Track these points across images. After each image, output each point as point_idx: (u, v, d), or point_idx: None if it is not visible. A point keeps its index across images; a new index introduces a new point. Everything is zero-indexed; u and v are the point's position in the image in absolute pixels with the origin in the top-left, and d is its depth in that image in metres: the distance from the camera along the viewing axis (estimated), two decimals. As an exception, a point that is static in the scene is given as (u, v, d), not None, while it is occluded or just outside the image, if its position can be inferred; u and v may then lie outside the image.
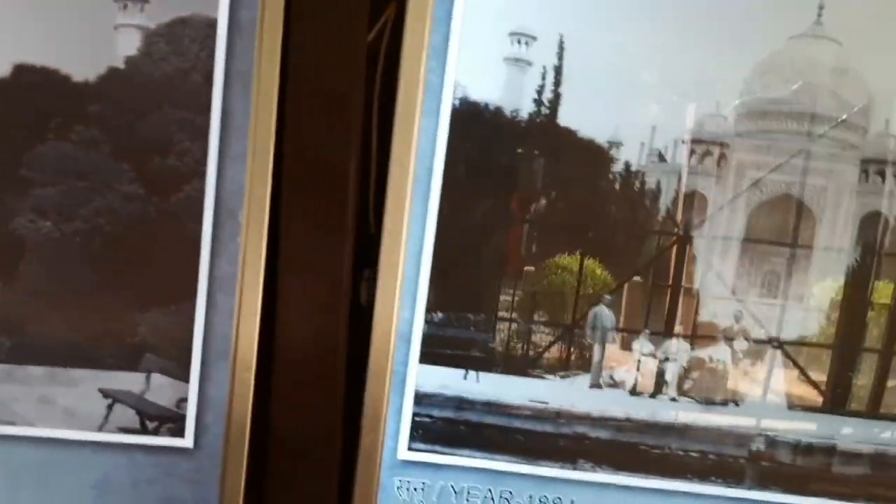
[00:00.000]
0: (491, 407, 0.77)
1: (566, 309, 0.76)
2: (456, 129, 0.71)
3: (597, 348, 0.77)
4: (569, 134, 0.72)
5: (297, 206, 0.71)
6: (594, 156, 0.73)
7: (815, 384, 0.76)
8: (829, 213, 0.73)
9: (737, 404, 0.77)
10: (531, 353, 0.76)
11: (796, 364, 0.75)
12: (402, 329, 0.75)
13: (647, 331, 0.76)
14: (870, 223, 0.73)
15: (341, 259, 0.72)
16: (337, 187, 0.70)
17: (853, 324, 0.75)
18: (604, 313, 0.76)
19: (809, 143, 0.72)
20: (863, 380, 0.76)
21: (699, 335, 0.76)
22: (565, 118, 0.72)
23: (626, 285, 0.76)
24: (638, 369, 0.77)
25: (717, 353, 0.76)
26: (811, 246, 0.74)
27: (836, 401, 0.77)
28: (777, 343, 0.75)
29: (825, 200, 0.73)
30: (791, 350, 0.76)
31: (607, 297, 0.76)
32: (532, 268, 0.76)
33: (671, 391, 0.77)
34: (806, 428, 0.77)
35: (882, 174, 0.73)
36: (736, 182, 0.73)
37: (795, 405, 0.77)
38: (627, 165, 0.73)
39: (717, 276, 0.75)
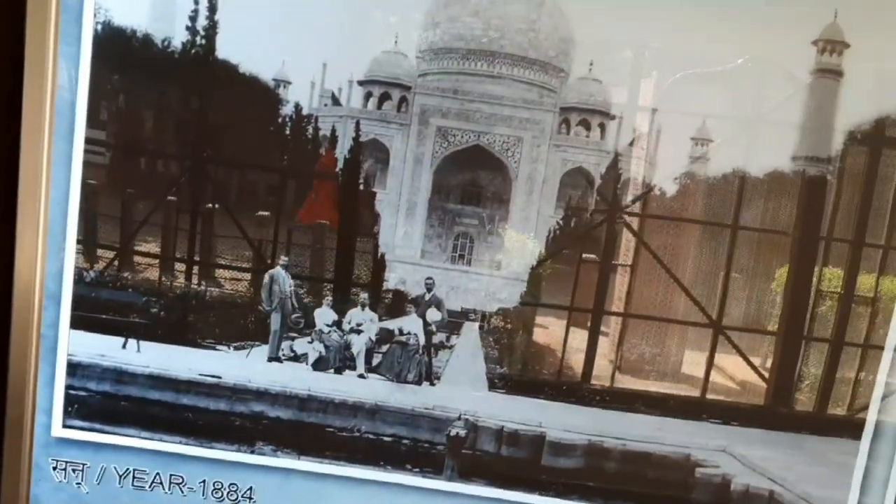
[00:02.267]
0: (155, 381, 0.68)
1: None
2: (101, 59, 0.62)
3: (274, 316, 0.68)
4: (229, 68, 0.63)
5: None
6: (260, 95, 0.63)
7: (520, 364, 0.67)
8: (525, 168, 0.64)
9: (432, 383, 0.68)
10: (200, 320, 0.67)
11: (497, 341, 0.66)
12: (49, 287, 0.66)
13: (329, 298, 0.67)
14: (573, 181, 0.64)
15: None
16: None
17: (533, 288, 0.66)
18: (281, 277, 0.67)
19: (500, 86, 0.63)
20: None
21: (386, 304, 0.67)
22: (225, 50, 0.63)
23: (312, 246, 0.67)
24: (321, 341, 0.68)
25: (408, 324, 0.67)
26: (507, 206, 0.65)
27: (551, 383, 0.68)
28: (475, 315, 0.67)
29: (520, 153, 0.64)
30: (495, 323, 0.67)
31: (284, 258, 0.67)
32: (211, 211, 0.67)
33: (359, 366, 0.68)
34: (510, 412, 0.68)
35: (586, 124, 0.64)
36: (420, 130, 0.64)
37: (497, 385, 0.68)
38: (298, 108, 0.64)
39: (403, 237, 0.66)
